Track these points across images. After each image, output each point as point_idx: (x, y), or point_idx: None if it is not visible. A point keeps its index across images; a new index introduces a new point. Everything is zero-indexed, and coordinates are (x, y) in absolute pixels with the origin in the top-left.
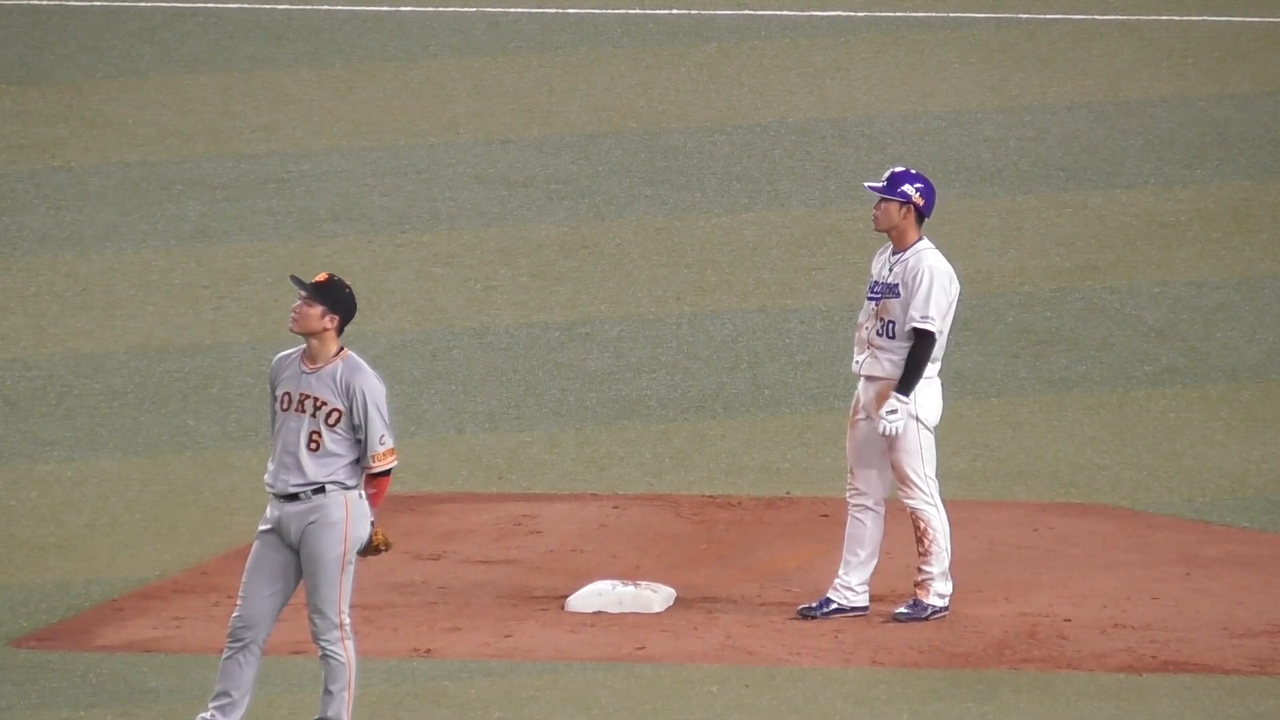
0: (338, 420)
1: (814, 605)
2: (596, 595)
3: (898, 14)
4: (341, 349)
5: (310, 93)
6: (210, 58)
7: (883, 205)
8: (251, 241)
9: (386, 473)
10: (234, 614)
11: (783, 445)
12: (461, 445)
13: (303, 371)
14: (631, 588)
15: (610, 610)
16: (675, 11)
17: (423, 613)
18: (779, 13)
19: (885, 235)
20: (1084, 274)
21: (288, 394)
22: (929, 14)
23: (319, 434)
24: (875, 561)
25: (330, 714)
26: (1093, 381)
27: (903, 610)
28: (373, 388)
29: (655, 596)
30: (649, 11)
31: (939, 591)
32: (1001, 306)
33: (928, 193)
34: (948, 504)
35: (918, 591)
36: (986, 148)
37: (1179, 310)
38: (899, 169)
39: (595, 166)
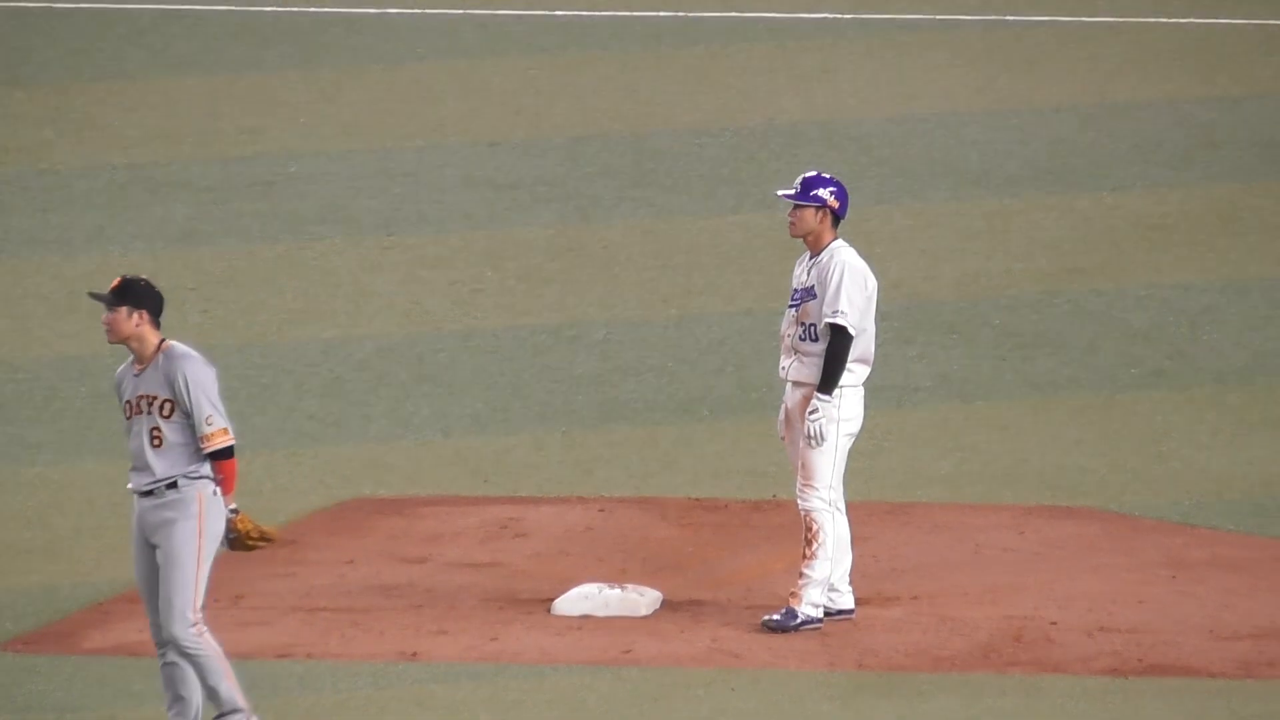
0: (171, 410)
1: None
2: (583, 598)
3: (885, 16)
4: (162, 342)
5: (297, 95)
6: (197, 60)
7: (797, 212)
8: (238, 244)
9: (228, 456)
10: (150, 624)
11: (769, 449)
12: (448, 448)
13: (134, 375)
14: (618, 591)
15: (597, 613)
16: (662, 14)
17: (408, 616)
18: (766, 15)
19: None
20: (1071, 277)
21: (128, 402)
22: (916, 16)
23: (158, 429)
24: (849, 558)
25: (226, 708)
26: (1079, 384)
27: (774, 617)
28: (195, 371)
29: (642, 600)
30: (636, 14)
31: (812, 600)
32: (988, 309)
33: (842, 195)
34: (935, 506)
35: (790, 599)
36: (973, 150)
37: (1166, 313)
38: (810, 174)
39: (582, 169)
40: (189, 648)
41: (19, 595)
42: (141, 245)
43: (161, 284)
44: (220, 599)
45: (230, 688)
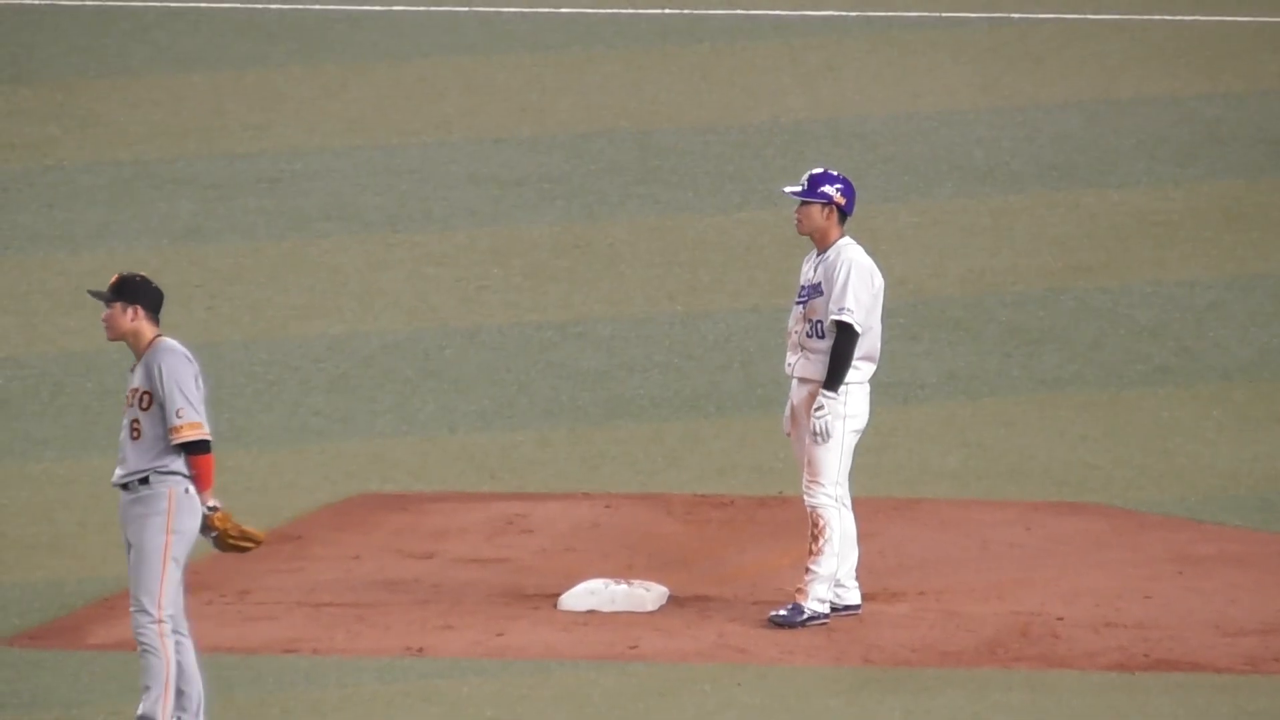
0: (149, 402)
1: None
2: (589, 594)
3: (890, 14)
4: (156, 337)
5: (302, 92)
6: (202, 56)
7: (804, 209)
8: (243, 241)
9: (202, 451)
10: None
11: (775, 444)
12: (454, 444)
13: (130, 371)
14: (624, 586)
15: (603, 609)
16: (667, 11)
17: (415, 611)
18: (771, 12)
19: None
20: (1076, 273)
21: (125, 397)
22: (921, 14)
23: (138, 421)
24: (855, 554)
25: (144, 711)
26: (1085, 381)
27: (780, 613)
28: (172, 364)
29: (648, 595)
30: (641, 11)
31: (819, 596)
32: (994, 306)
33: (848, 191)
34: (941, 502)
35: (797, 595)
36: (979, 147)
37: (1171, 309)
38: (817, 171)
39: (588, 166)
40: (144, 643)
41: (25, 590)
42: (147, 241)
43: (167, 280)
44: (226, 594)
45: (157, 700)
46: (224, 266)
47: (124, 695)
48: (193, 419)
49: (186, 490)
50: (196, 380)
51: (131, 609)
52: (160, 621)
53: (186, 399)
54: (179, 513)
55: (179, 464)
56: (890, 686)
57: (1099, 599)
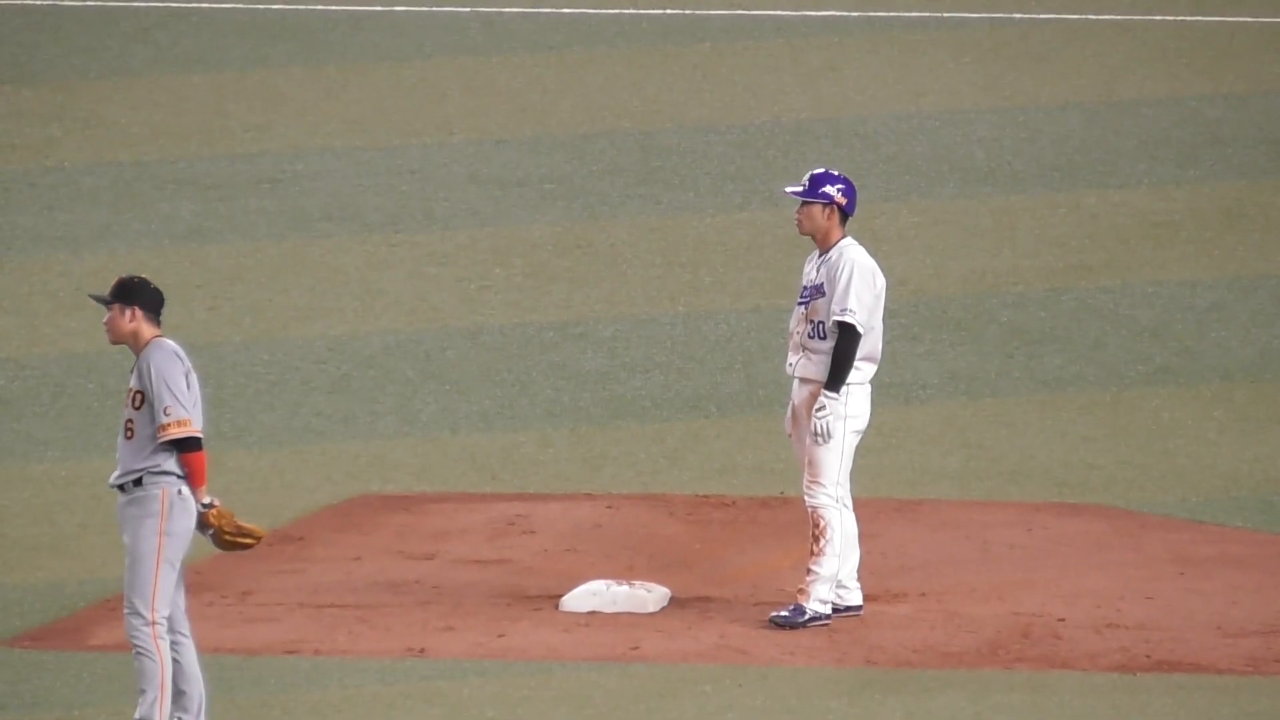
0: (141, 401)
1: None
2: (590, 595)
3: (891, 14)
4: (155, 337)
5: (303, 92)
6: (203, 57)
7: (805, 209)
8: (245, 241)
9: (192, 448)
10: None
11: (776, 445)
12: (455, 445)
13: (130, 372)
14: (625, 587)
15: (604, 610)
16: (669, 11)
17: (416, 612)
18: (772, 12)
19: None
20: (1078, 274)
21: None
22: (922, 14)
23: (131, 421)
24: (857, 555)
25: (141, 714)
26: (1086, 381)
27: (781, 613)
28: (160, 361)
29: (649, 596)
30: (642, 11)
31: (820, 597)
32: (995, 306)
33: (849, 192)
34: (942, 503)
35: (798, 596)
36: (980, 147)
37: (1172, 310)
38: (818, 171)
39: (589, 166)
40: (138, 645)
41: (26, 591)
42: (148, 242)
43: (168, 281)
44: (227, 595)
45: (153, 702)
46: (225, 267)
47: (125, 696)
48: (180, 416)
49: (180, 491)
50: (187, 378)
51: (125, 611)
52: (154, 624)
53: (175, 396)
54: (172, 514)
55: (172, 464)
56: (891, 687)
57: (1100, 600)
